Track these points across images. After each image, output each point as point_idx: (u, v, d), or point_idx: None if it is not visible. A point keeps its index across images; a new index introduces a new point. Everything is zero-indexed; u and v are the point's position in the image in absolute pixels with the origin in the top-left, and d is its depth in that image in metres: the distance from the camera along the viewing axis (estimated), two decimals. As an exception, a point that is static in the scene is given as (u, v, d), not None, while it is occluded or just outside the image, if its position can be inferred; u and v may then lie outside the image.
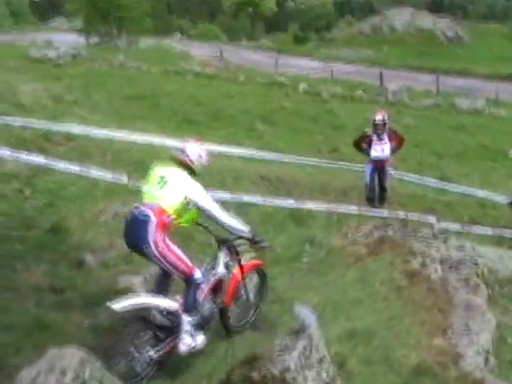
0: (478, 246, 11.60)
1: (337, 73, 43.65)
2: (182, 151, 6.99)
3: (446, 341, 7.45)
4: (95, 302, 8.17)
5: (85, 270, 8.98)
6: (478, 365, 7.05)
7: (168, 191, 6.72)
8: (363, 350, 7.12)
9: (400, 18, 70.02)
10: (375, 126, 13.52)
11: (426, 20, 69.88)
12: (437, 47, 63.15)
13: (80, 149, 13.45)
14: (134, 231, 6.64)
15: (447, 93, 38.31)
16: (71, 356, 4.29)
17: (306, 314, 6.16)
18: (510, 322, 8.53)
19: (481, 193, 16.16)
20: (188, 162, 6.93)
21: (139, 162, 14.01)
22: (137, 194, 11.46)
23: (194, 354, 7.16)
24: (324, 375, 5.79)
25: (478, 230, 13.21)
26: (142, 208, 6.65)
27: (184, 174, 6.84)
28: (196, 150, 7.04)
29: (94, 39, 52.15)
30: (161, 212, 6.60)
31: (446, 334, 7.60)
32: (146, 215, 6.56)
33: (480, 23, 74.33)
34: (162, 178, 6.81)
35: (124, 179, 12.04)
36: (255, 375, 5.72)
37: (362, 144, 13.67)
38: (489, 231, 13.16)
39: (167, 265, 6.65)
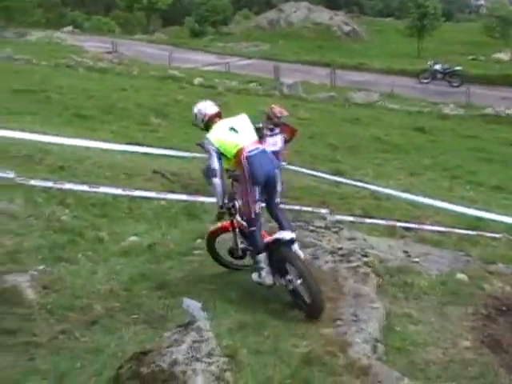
0: (370, 237, 11.86)
1: (233, 67, 43.82)
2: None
3: (335, 330, 7.54)
4: (-22, 301, 7.94)
5: (-33, 269, 8.64)
6: (365, 352, 7.15)
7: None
8: (254, 340, 7.14)
9: (297, 12, 70.96)
10: (268, 118, 13.50)
11: (323, 15, 71.12)
12: (333, 42, 64.46)
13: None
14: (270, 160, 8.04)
15: (343, 87, 39.08)
16: None
17: (194, 308, 6.13)
18: (399, 310, 8.69)
19: (373, 186, 16.46)
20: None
21: (28, 156, 13.64)
22: (25, 189, 11.35)
23: (84, 351, 7.06)
24: (213, 367, 5.76)
25: (370, 221, 13.47)
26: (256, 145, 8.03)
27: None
28: None
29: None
30: None
31: (335, 323, 7.70)
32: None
33: (376, 18, 76.32)
34: (232, 127, 8.00)
35: (11, 175, 11.69)
36: (144, 370, 5.66)
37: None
38: (381, 222, 13.45)
39: None
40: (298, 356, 6.86)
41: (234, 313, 7.85)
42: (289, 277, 7.88)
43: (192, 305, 6.15)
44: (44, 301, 8.20)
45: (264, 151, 8.08)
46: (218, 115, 8.33)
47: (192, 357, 5.71)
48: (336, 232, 11.08)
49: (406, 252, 11.39)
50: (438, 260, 11.23)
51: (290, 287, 7.91)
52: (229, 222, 8.45)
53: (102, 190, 11.99)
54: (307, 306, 7.81)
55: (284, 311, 8.01)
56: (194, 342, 5.86)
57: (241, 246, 8.55)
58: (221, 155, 7.93)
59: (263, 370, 6.55)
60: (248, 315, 7.81)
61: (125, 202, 12.04)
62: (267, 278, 8.17)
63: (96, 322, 7.86)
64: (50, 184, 11.74)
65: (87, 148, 14.83)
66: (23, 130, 15.16)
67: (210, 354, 5.86)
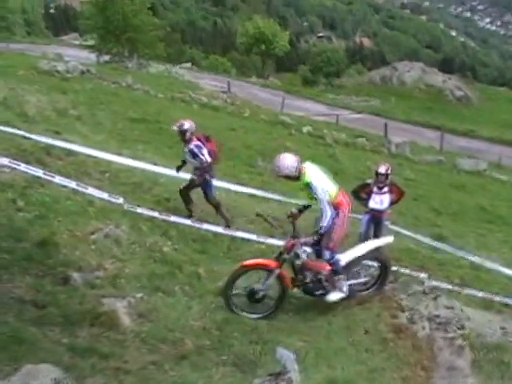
0: (467, 308, 11.51)
1: (342, 119, 43.88)
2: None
3: (426, 401, 7.32)
4: (76, 321, 8.08)
5: (69, 287, 8.82)
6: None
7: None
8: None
9: (410, 72, 70.72)
10: (378, 177, 13.49)
11: (436, 77, 70.57)
12: (444, 105, 63.66)
13: (79, 165, 13.38)
14: None
15: (450, 151, 38.47)
16: (46, 374, 4.16)
17: (287, 358, 6.05)
18: (492, 389, 8.39)
19: (475, 257, 16.02)
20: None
21: (137, 184, 13.97)
22: (131, 215, 11.61)
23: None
24: (301, 422, 5.66)
25: (468, 291, 13.09)
26: None
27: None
28: None
29: (105, 58, 52.48)
30: None
31: (427, 394, 7.48)
32: None
33: (489, 86, 75.14)
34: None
35: (120, 200, 11.99)
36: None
37: (361, 194, 13.60)
38: (479, 294, 13.04)
39: None
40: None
41: (325, 368, 7.75)
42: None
43: (285, 355, 6.06)
44: (138, 329, 8.30)
45: None
46: None
47: (280, 408, 5.63)
48: (434, 298, 10.81)
49: (503, 328, 11.00)
50: (538, 342, 10.78)
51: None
52: (273, 260, 9.44)
53: (205, 226, 12.15)
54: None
55: (375, 373, 7.84)
56: (283, 392, 5.78)
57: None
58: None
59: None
60: (338, 372, 7.69)
61: (225, 241, 12.12)
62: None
63: (186, 357, 7.88)
64: (155, 214, 11.97)
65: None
66: (135, 158, 15.62)
67: (298, 407, 5.76)
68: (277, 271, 9.30)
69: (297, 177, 9.47)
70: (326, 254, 9.55)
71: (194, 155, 12.91)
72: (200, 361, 7.84)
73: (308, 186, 9.48)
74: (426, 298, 10.64)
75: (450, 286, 13.03)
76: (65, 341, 7.60)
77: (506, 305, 13.09)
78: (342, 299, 9.80)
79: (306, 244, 9.49)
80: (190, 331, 8.54)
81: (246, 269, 9.33)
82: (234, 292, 9.32)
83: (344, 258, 9.79)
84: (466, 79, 76.23)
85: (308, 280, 9.58)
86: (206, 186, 12.97)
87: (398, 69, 71.71)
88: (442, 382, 7.73)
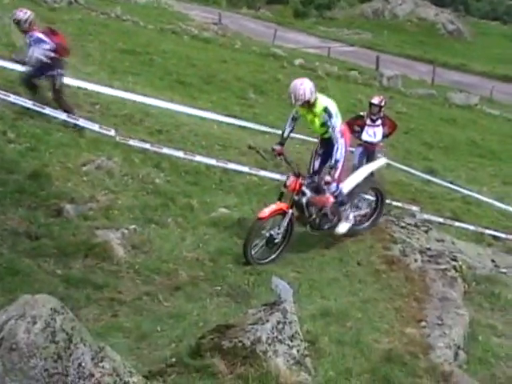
0: (458, 241, 11.61)
1: (334, 52, 43.43)
2: None
3: (418, 330, 7.41)
4: (70, 252, 8.09)
5: (62, 219, 8.82)
6: (447, 358, 7.02)
7: None
8: (335, 329, 7.07)
9: (403, 5, 69.74)
10: (371, 108, 13.43)
11: (428, 10, 69.61)
12: (436, 39, 62.96)
13: (69, 97, 13.17)
14: None
15: (442, 85, 38.27)
16: (43, 304, 4.15)
17: (282, 288, 6.07)
18: (483, 320, 8.50)
19: (466, 190, 16.10)
20: None
21: (128, 116, 13.82)
22: (123, 147, 11.52)
23: (166, 316, 7.14)
24: (294, 351, 5.70)
25: (458, 224, 13.19)
26: None
27: None
28: None
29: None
30: None
31: (419, 324, 7.57)
32: None
33: (481, 20, 74.26)
34: None
35: (111, 132, 11.88)
36: (225, 344, 5.62)
37: (354, 126, 13.48)
38: (470, 227, 13.15)
39: None
40: (379, 352, 6.77)
41: (318, 299, 7.82)
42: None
43: (281, 285, 6.08)
44: (132, 260, 8.33)
45: None
46: None
47: (275, 337, 5.65)
48: (425, 231, 10.90)
49: (493, 261, 11.14)
50: (527, 274, 10.94)
51: None
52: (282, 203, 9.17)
53: (197, 158, 12.07)
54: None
55: (368, 304, 7.92)
56: (278, 322, 5.81)
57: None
58: None
59: (343, 360, 6.50)
60: (331, 303, 7.76)
61: (217, 173, 12.06)
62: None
63: (180, 288, 7.93)
64: (147, 146, 11.88)
65: (186, 115, 14.97)
66: (126, 90, 15.43)
67: (292, 337, 5.79)
68: (290, 213, 9.11)
69: (313, 103, 9.24)
70: (332, 187, 9.35)
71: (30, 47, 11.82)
72: (194, 291, 7.90)
73: (325, 111, 9.22)
74: (418, 230, 10.72)
75: (441, 220, 13.13)
76: (59, 272, 7.63)
77: (497, 238, 13.23)
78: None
79: (329, 183, 9.20)
80: (184, 262, 8.57)
81: (263, 221, 9.00)
82: (253, 245, 8.99)
83: (345, 187, 9.68)
84: (458, 13, 75.07)
85: (314, 215, 9.45)
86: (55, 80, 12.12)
87: (390, 1, 70.58)
88: (434, 313, 7.81)
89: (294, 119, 9.59)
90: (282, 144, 9.49)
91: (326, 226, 9.65)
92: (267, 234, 9.03)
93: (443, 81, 39.89)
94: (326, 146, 9.59)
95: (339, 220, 9.71)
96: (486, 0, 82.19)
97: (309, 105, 9.21)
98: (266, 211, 8.96)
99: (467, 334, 7.85)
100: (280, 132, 9.98)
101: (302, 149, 14.35)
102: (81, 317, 6.51)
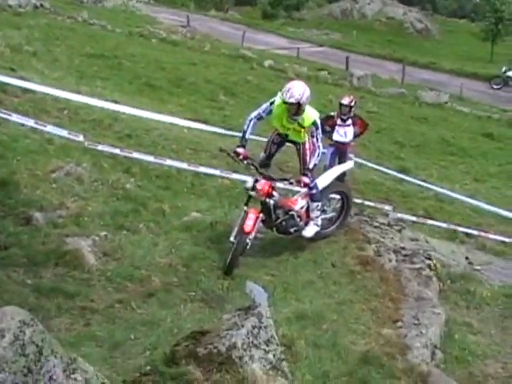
0: (432, 239, 11.62)
1: (303, 53, 43.51)
2: None
3: (394, 331, 7.38)
4: (40, 261, 7.93)
5: (32, 227, 8.64)
6: (424, 358, 6.99)
7: None
8: (312, 332, 7.02)
9: (371, 4, 70.13)
10: (341, 108, 13.43)
11: (397, 9, 70.09)
12: (405, 38, 63.48)
13: (36, 102, 13.00)
14: None
15: (412, 84, 38.54)
16: (12, 317, 4.03)
17: (257, 292, 6.00)
18: (459, 318, 8.50)
19: (438, 187, 16.15)
20: None
21: (97, 121, 13.65)
22: (92, 153, 11.35)
23: (140, 323, 7.03)
24: (271, 356, 5.63)
25: (432, 222, 13.22)
26: None
27: None
28: None
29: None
30: None
31: (395, 324, 7.54)
32: None
33: (449, 19, 74.99)
34: None
35: (80, 138, 11.72)
36: (201, 350, 5.54)
37: (325, 126, 13.42)
38: (443, 225, 13.17)
39: None
40: (355, 354, 6.73)
41: (293, 302, 7.75)
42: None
43: (255, 289, 6.00)
44: (104, 267, 8.19)
45: None
46: None
47: (250, 342, 5.58)
48: (399, 230, 10.89)
49: (467, 259, 11.18)
50: (501, 271, 11.03)
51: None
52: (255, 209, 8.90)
53: (168, 162, 11.95)
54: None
55: (343, 305, 7.88)
56: (253, 327, 5.73)
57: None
58: None
59: (320, 363, 6.45)
60: (307, 306, 7.70)
61: (188, 177, 11.94)
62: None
63: (153, 294, 7.81)
64: (117, 151, 11.74)
65: (156, 119, 14.84)
66: (94, 95, 15.26)
67: (268, 342, 5.73)
68: (261, 218, 8.99)
69: (301, 112, 8.98)
70: (313, 187, 9.26)
71: None
72: (168, 298, 7.78)
73: (314, 124, 9.09)
74: (392, 230, 10.70)
75: (414, 218, 13.14)
76: (29, 282, 7.48)
77: (469, 235, 13.27)
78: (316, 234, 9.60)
79: (308, 184, 9.08)
80: (157, 268, 8.44)
81: (248, 235, 8.68)
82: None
83: (319, 184, 9.51)
84: (426, 11, 75.69)
85: (281, 218, 9.24)
86: None
87: (359, 1, 70.96)
88: (410, 313, 7.79)
89: (260, 118, 9.31)
90: (244, 146, 9.22)
91: (293, 230, 9.41)
92: (247, 241, 8.78)
93: (413, 79, 40.19)
94: (285, 141, 9.54)
95: (306, 223, 9.53)
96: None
97: (296, 110, 8.94)
98: (250, 224, 8.71)
99: (444, 333, 7.85)
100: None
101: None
102: (52, 327, 6.40)
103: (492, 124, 31.43)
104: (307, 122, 9.09)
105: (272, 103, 9.18)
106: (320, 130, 9.13)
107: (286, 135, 9.43)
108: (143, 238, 9.18)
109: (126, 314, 7.32)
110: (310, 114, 9.08)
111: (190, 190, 11.55)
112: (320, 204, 9.57)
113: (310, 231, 9.50)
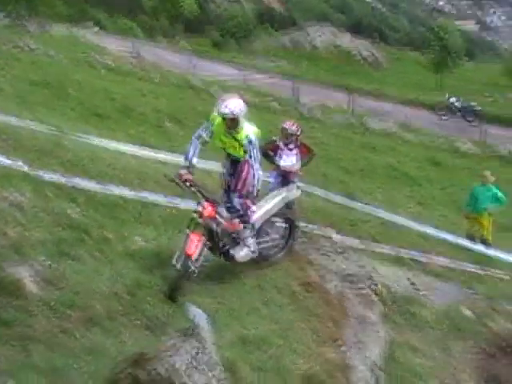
0: (377, 263, 11.75)
1: (253, 82, 43.75)
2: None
3: (336, 351, 7.44)
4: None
5: (-30, 257, 8.50)
6: (366, 378, 7.07)
7: None
8: (256, 357, 7.03)
9: (322, 36, 71.15)
10: (283, 132, 13.45)
11: (346, 40, 71.24)
12: (354, 67, 64.48)
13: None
14: None
15: (360, 113, 38.97)
16: None
17: (198, 316, 6.03)
18: (402, 340, 8.62)
19: (383, 213, 16.34)
20: None
21: (41, 149, 13.47)
22: (35, 181, 11.20)
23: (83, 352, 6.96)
24: (214, 381, 5.65)
25: (377, 247, 13.35)
26: None
27: None
28: None
29: (3, 20, 50.09)
30: None
31: (336, 343, 7.61)
32: None
33: (397, 48, 76.40)
34: None
35: (23, 166, 11.58)
36: (142, 375, 5.55)
37: (267, 151, 13.39)
38: (387, 250, 13.32)
39: None
40: (298, 374, 6.76)
41: (238, 327, 7.76)
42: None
43: (196, 312, 6.04)
44: (46, 296, 8.08)
45: None
46: None
47: (191, 364, 5.59)
48: (343, 254, 11.01)
49: (411, 281, 11.35)
50: (445, 294, 11.18)
51: None
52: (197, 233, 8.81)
53: (115, 191, 11.88)
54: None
55: (288, 331, 7.92)
56: (193, 349, 5.75)
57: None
58: None
59: (263, 387, 6.45)
60: (251, 331, 7.71)
61: (136, 206, 11.85)
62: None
63: (97, 323, 7.75)
64: (61, 179, 11.63)
65: (103, 148, 14.75)
66: (41, 122, 15.12)
67: (210, 365, 5.75)
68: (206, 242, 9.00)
69: (236, 126, 9.13)
70: (236, 202, 9.32)
71: None
72: (112, 326, 7.74)
73: (247, 138, 9.19)
74: (336, 254, 10.81)
75: (358, 242, 13.25)
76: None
77: (414, 259, 13.44)
78: (254, 261, 9.59)
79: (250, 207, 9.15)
80: (101, 297, 8.37)
81: (192, 258, 8.68)
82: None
83: (257, 211, 9.50)
84: (374, 41, 77.01)
85: (227, 244, 9.27)
86: None
87: (310, 33, 71.92)
88: (352, 334, 7.87)
89: (199, 138, 9.38)
90: (188, 168, 9.29)
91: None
92: (191, 265, 8.72)
93: (362, 108, 40.63)
94: (236, 167, 9.60)
95: (242, 245, 9.48)
96: (403, 31, 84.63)
97: (231, 122, 9.10)
98: (192, 246, 8.70)
99: (387, 355, 7.94)
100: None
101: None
102: (-9, 357, 6.30)
103: (439, 153, 32.00)
104: (241, 136, 9.21)
105: (210, 120, 9.40)
106: (256, 150, 9.27)
107: (228, 154, 9.57)
108: (88, 267, 9.09)
109: (69, 343, 7.25)
110: (246, 129, 9.25)
111: (137, 219, 11.47)
112: (250, 229, 9.48)
113: (242, 254, 9.43)
